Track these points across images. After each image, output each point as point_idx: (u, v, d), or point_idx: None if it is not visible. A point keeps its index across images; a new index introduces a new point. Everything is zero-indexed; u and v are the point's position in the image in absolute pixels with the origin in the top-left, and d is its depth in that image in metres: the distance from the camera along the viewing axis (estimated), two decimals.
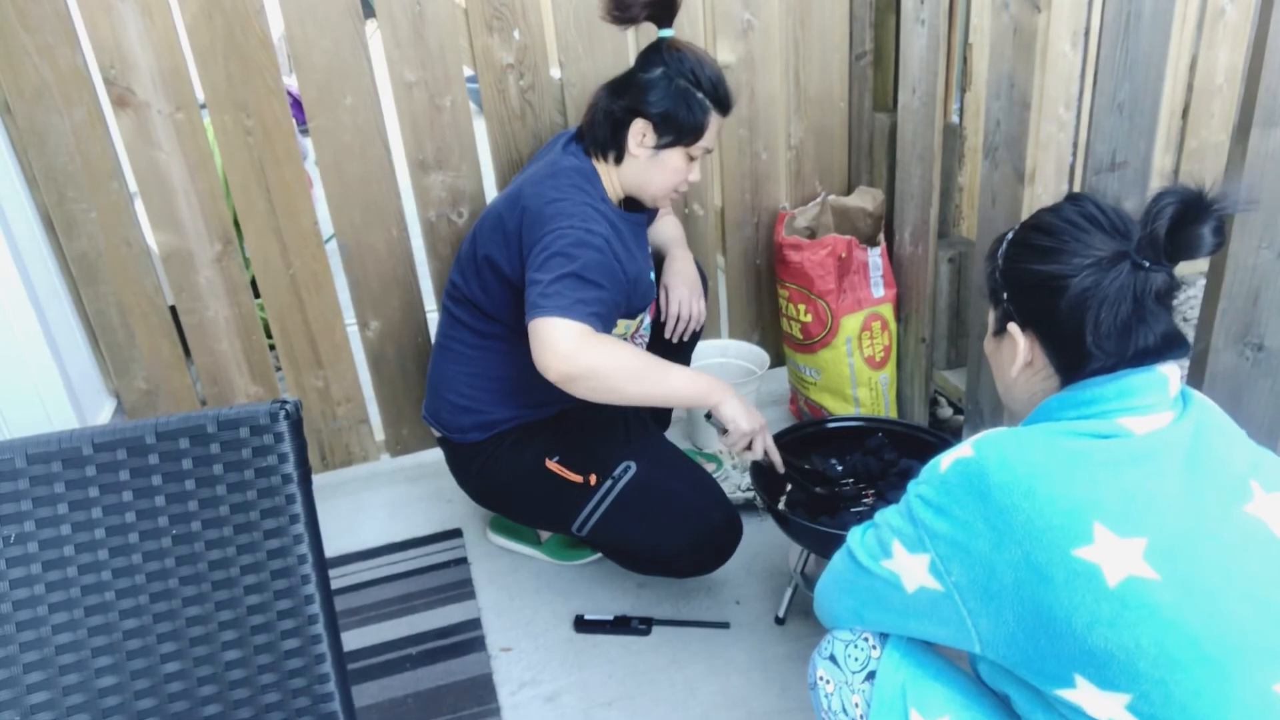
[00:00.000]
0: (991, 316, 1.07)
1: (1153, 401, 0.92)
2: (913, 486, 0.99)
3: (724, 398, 1.55)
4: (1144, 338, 0.93)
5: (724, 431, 1.58)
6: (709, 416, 1.59)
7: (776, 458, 1.62)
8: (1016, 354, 1.02)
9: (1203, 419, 0.94)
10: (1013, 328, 1.01)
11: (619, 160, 1.65)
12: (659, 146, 1.61)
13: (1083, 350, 0.95)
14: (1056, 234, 0.96)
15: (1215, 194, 0.88)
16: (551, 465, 1.69)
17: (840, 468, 1.79)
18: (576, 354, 1.44)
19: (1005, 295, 1.02)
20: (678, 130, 1.60)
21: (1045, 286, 0.96)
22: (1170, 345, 0.94)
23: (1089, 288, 0.92)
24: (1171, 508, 0.86)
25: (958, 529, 0.91)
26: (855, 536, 1.06)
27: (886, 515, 1.02)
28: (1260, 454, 0.96)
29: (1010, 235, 1.03)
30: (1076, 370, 0.97)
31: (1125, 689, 0.83)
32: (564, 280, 1.47)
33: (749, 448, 1.60)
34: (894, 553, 0.98)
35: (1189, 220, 0.88)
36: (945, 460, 0.96)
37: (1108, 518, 0.85)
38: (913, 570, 0.95)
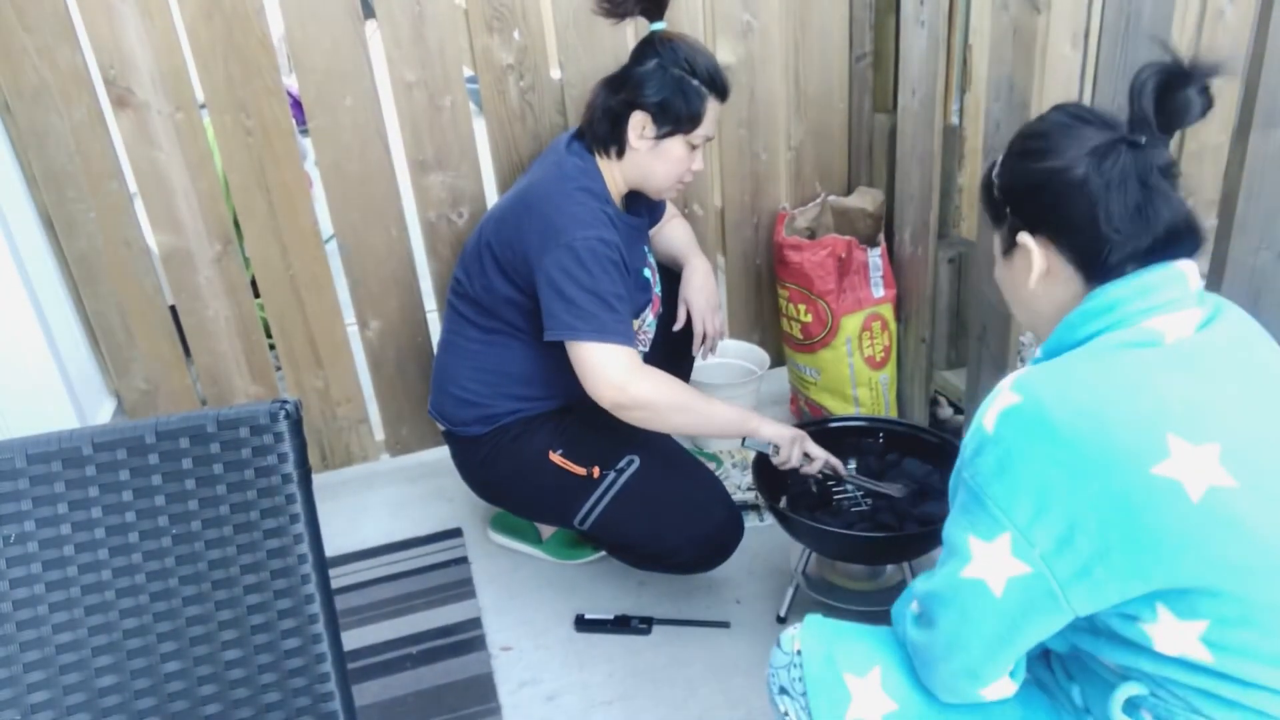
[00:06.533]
0: (997, 239, 1.04)
1: (1175, 297, 0.89)
2: (963, 470, 0.91)
3: (760, 422, 1.63)
4: (1157, 217, 0.90)
5: (775, 450, 1.64)
6: (744, 443, 1.65)
7: (833, 460, 1.66)
8: (1031, 264, 0.98)
9: (1234, 318, 0.92)
10: (1023, 237, 0.98)
11: (620, 154, 1.66)
12: (659, 136, 1.62)
13: (1098, 238, 0.92)
14: (1048, 135, 0.95)
15: (1194, 59, 0.87)
16: (555, 458, 1.69)
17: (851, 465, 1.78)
18: (629, 386, 1.55)
19: (1008, 208, 0.99)
20: (676, 118, 1.61)
21: (1047, 183, 0.94)
22: (1185, 233, 0.91)
23: (1089, 173, 0.91)
24: (1234, 411, 0.84)
25: (1029, 484, 0.84)
26: (918, 585, 0.98)
27: (947, 531, 0.93)
28: None
29: (1003, 152, 1.01)
30: (1096, 262, 0.93)
31: (1205, 615, 0.81)
32: (595, 300, 1.54)
33: (807, 456, 1.64)
34: (972, 551, 0.89)
35: (1173, 87, 0.87)
36: (988, 419, 0.88)
37: (1179, 427, 0.81)
38: (996, 562, 0.87)
